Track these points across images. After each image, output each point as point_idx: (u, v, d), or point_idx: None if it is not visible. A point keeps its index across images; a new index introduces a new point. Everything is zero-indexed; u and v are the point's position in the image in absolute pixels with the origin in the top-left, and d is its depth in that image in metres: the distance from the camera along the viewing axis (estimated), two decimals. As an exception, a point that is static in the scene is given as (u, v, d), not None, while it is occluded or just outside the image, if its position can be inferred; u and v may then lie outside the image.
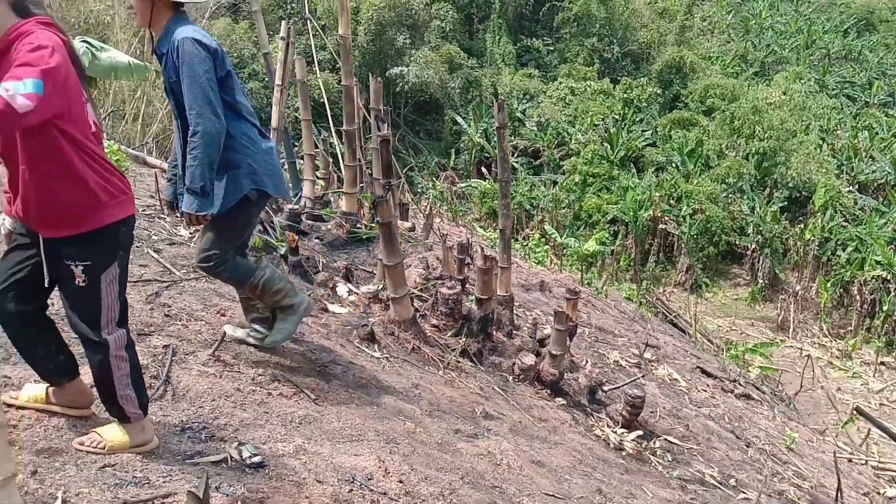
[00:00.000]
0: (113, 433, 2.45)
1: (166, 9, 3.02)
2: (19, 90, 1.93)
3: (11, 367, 2.79)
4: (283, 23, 5.30)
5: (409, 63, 21.88)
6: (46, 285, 2.31)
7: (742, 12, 31.74)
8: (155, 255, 4.46)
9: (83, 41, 8.25)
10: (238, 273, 3.36)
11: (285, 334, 3.58)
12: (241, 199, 3.22)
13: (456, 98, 23.22)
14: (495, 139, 20.99)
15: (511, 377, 4.86)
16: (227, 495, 2.38)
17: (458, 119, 22.18)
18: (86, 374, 2.63)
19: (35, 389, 2.56)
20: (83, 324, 2.32)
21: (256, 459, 2.68)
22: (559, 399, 4.97)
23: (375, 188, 5.85)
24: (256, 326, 3.62)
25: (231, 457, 2.66)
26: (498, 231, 5.59)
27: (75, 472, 2.31)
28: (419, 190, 18.32)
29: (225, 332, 3.56)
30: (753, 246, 18.02)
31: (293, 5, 21.97)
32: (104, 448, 2.42)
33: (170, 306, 3.78)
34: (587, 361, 5.66)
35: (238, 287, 3.53)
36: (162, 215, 5.41)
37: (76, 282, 2.25)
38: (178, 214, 3.45)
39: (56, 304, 2.70)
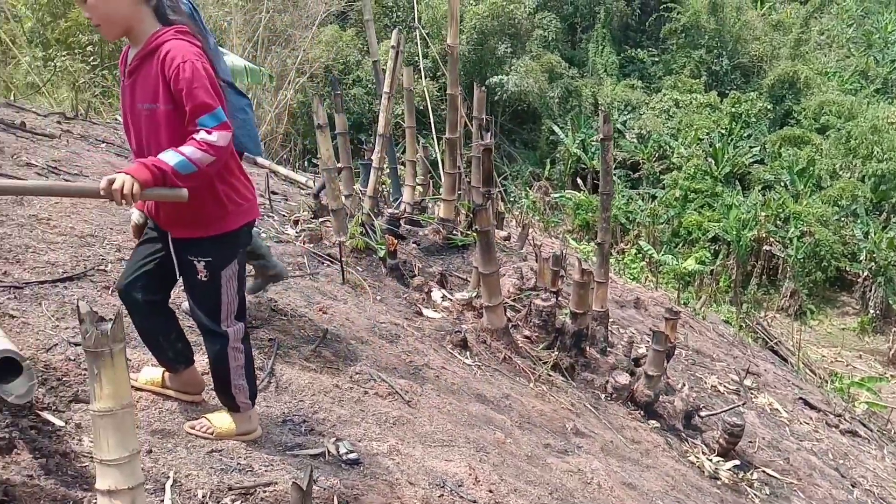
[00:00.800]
0: (222, 420, 2.57)
1: None
2: (208, 125, 2.15)
3: (131, 351, 2.98)
4: (395, 32, 5.42)
5: (509, 72, 21.91)
6: (177, 277, 2.46)
7: (865, 26, 29.90)
8: (263, 252, 4.65)
9: (205, 45, 8.74)
10: None
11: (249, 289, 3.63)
12: None
13: (554, 108, 23.05)
14: (592, 150, 20.71)
15: (603, 395, 4.76)
16: (324, 489, 2.45)
17: (556, 129, 22.00)
18: (199, 363, 2.78)
19: (152, 373, 2.72)
20: (205, 315, 2.45)
21: (352, 456, 2.74)
22: (653, 421, 4.82)
23: (474, 196, 5.89)
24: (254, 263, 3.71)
25: (328, 451, 2.74)
26: (595, 244, 5.49)
27: (185, 454, 2.43)
28: (512, 199, 18.29)
29: (326, 331, 3.67)
30: (865, 273, 16.94)
31: (398, 14, 22.46)
32: (212, 434, 2.54)
33: (276, 301, 3.94)
34: (684, 385, 5.47)
35: None
36: (271, 214, 5.65)
37: (199, 276, 2.38)
38: None
39: (179, 296, 2.86)
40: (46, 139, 5.90)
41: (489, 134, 4.76)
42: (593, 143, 21.15)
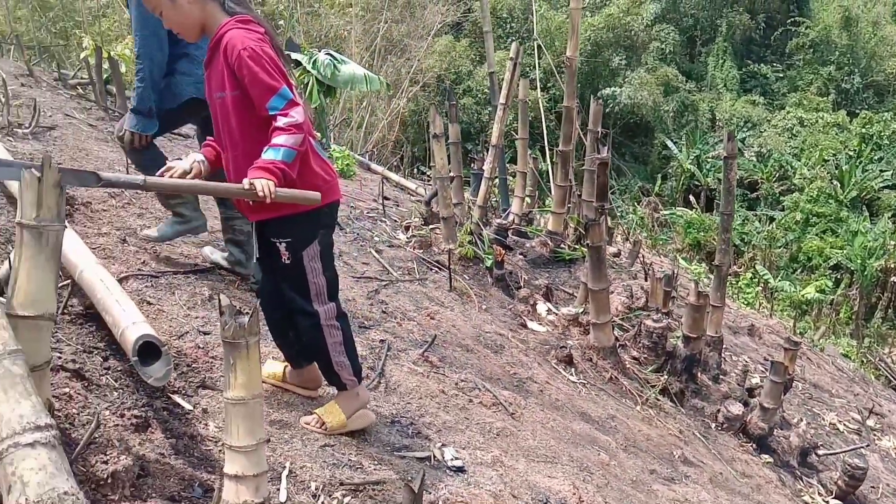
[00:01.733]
0: (332, 414, 2.64)
1: None
2: (278, 106, 2.20)
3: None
4: (514, 45, 5.45)
5: (623, 84, 21.51)
6: (255, 259, 2.56)
7: None
8: (376, 255, 4.78)
9: (328, 54, 9.11)
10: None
11: (161, 234, 3.50)
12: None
13: (669, 122, 22.40)
14: (707, 167, 19.89)
15: (714, 424, 4.56)
16: (430, 493, 2.48)
17: (669, 143, 21.36)
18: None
19: (274, 367, 2.85)
20: (294, 295, 2.49)
21: (457, 463, 2.76)
22: (765, 456, 4.57)
23: (585, 210, 5.81)
24: (231, 248, 3.54)
25: (434, 456, 2.77)
26: (711, 266, 5.27)
27: (301, 446, 2.53)
28: (618, 214, 17.87)
29: (435, 336, 3.72)
30: None
31: (512, 24, 22.53)
32: (325, 428, 2.62)
33: (387, 304, 4.03)
34: (801, 420, 5.16)
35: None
36: (383, 219, 5.79)
37: (282, 259, 2.43)
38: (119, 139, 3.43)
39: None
40: (181, 138, 6.32)
41: (605, 148, 4.68)
42: (708, 160, 20.37)
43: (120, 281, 3.14)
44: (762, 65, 24.80)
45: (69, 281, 2.72)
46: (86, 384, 2.33)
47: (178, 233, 3.54)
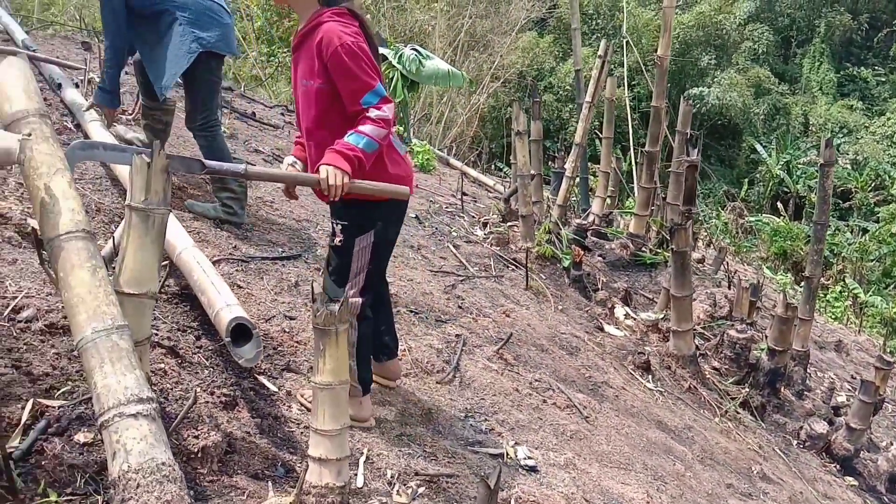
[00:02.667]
0: None
1: None
2: (373, 102, 2.23)
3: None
4: (602, 43, 5.36)
5: (711, 84, 20.78)
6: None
7: None
8: (453, 250, 4.81)
9: (413, 49, 9.21)
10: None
11: (204, 212, 3.67)
12: (196, 63, 3.41)
13: (758, 125, 21.53)
14: (798, 173, 18.97)
15: (795, 441, 4.38)
16: (503, 490, 2.48)
17: (758, 147, 20.51)
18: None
19: None
20: (331, 279, 2.49)
21: (530, 462, 2.75)
22: (850, 478, 4.36)
23: (669, 213, 5.67)
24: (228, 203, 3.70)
25: (507, 454, 2.77)
26: (801, 277, 5.05)
27: (378, 434, 2.58)
28: (702, 218, 17.32)
29: (511, 334, 3.72)
30: None
31: (597, 21, 22.13)
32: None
33: (463, 299, 4.05)
34: (891, 443, 4.88)
35: (209, 156, 3.52)
36: (461, 214, 5.82)
37: (335, 240, 2.43)
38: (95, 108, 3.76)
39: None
40: (271, 128, 6.52)
41: (695, 150, 4.55)
42: (799, 166, 19.48)
43: (213, 264, 3.28)
44: (862, 68, 23.48)
45: (167, 262, 2.86)
46: (179, 361, 2.44)
47: (218, 218, 3.73)
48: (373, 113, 2.24)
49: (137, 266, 2.05)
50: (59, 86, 4.50)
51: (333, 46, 2.23)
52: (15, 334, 2.21)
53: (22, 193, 3.03)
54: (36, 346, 2.20)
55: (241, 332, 2.35)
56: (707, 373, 4.42)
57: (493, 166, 15.33)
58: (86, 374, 1.68)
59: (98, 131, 3.75)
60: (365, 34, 2.35)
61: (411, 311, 3.65)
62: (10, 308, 2.28)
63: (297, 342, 2.89)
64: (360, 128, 2.24)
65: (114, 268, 2.07)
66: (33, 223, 2.79)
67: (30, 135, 1.82)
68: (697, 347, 4.55)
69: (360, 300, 2.38)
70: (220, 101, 3.94)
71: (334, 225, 2.43)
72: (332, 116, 2.32)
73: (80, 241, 1.82)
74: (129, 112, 4.75)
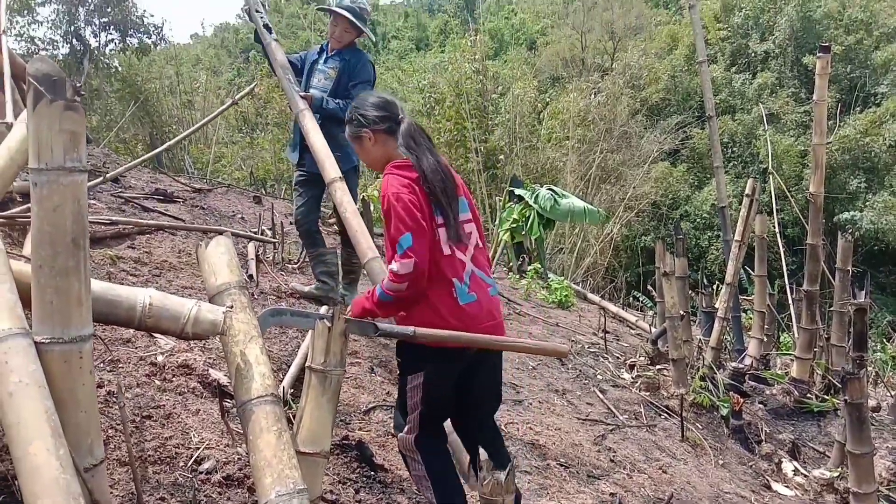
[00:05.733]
0: None
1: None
2: (398, 251, 2.34)
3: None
4: (749, 181, 5.27)
5: (863, 208, 19.63)
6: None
7: None
8: (600, 396, 4.67)
9: (549, 189, 9.50)
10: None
11: (307, 292, 4.35)
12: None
13: (922, 250, 19.85)
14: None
15: None
16: None
17: (924, 274, 18.78)
18: None
19: None
20: (400, 413, 2.58)
21: None
22: None
23: (835, 356, 5.25)
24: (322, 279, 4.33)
25: None
26: None
27: None
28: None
29: (672, 495, 3.48)
30: None
31: (733, 149, 21.86)
32: None
33: (615, 452, 3.87)
34: None
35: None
36: (605, 355, 5.68)
37: (398, 374, 2.56)
38: None
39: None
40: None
41: (863, 292, 4.24)
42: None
43: (367, 412, 3.38)
44: None
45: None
46: (341, 515, 2.48)
47: (317, 296, 4.33)
48: (392, 265, 2.37)
49: (314, 425, 2.15)
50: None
51: (385, 195, 2.43)
52: (196, 485, 2.35)
53: (205, 344, 3.32)
54: (214, 497, 2.33)
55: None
56: (902, 546, 3.87)
57: (630, 297, 14.99)
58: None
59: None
60: (424, 182, 2.44)
61: (561, 465, 3.53)
62: (192, 459, 2.45)
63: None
64: (381, 280, 2.44)
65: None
66: (216, 375, 3.03)
67: (231, 306, 2.03)
68: (886, 514, 4.02)
69: (413, 436, 2.49)
70: None
71: (396, 359, 2.58)
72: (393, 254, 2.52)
73: (268, 404, 1.95)
74: (295, 262, 5.16)
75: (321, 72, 4.22)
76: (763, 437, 4.78)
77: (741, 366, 5.32)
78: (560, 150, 18.66)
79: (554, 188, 9.53)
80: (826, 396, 5.38)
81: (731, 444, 4.61)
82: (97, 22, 18.13)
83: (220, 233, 2.64)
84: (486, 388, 2.62)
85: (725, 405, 4.72)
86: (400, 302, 2.38)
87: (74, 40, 17.28)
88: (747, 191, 5.20)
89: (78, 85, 1.63)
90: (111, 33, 18.43)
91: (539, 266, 8.70)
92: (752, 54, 24.44)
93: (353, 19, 4.11)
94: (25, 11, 17.37)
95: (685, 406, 4.66)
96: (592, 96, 19.67)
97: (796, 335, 5.70)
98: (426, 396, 2.45)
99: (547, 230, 9.77)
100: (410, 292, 2.35)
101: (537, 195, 9.13)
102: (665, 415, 4.70)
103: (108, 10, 17.92)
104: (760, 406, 5.28)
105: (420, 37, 40.62)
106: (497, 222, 10.06)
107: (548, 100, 21.75)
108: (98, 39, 18.32)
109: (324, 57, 4.26)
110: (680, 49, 25.38)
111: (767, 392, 5.50)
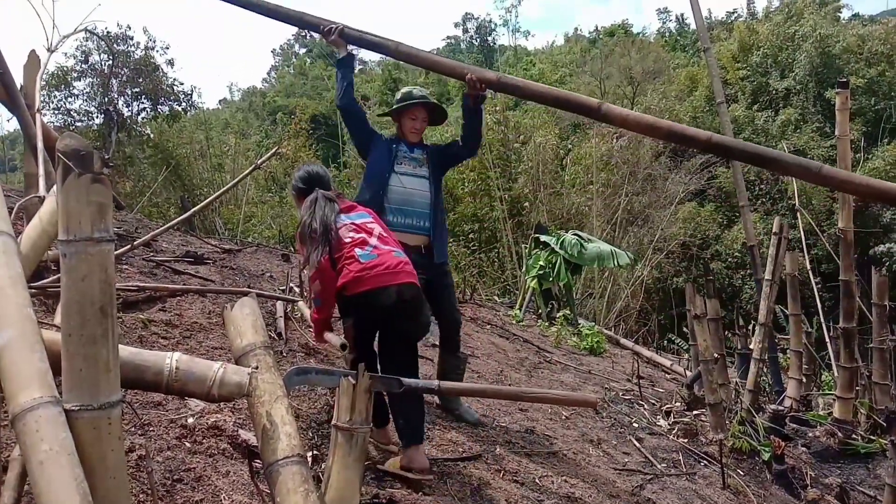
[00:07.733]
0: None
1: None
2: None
3: None
4: (777, 219, 5.22)
5: (899, 241, 19.23)
6: None
7: None
8: (637, 444, 4.56)
9: (575, 234, 9.49)
10: None
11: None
12: None
13: (966, 282, 19.26)
14: None
15: None
16: None
17: (969, 307, 18.19)
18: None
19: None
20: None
21: None
22: None
23: (878, 393, 5.08)
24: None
25: None
26: None
27: None
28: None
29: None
30: None
31: (761, 187, 21.70)
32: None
33: (654, 502, 3.76)
34: None
35: None
36: (640, 402, 5.56)
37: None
38: None
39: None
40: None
41: (902, 329, 4.12)
42: None
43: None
44: None
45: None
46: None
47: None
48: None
49: (342, 485, 2.14)
50: None
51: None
52: (227, 548, 2.34)
53: (234, 405, 3.33)
54: (245, 561, 2.30)
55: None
56: None
57: (664, 340, 14.75)
58: None
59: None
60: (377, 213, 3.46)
61: (600, 518, 3.43)
62: (223, 522, 2.43)
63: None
64: None
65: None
66: (245, 436, 3.03)
67: (257, 367, 2.05)
68: (947, 562, 3.82)
69: (351, 356, 3.23)
70: None
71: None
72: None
73: (294, 465, 1.95)
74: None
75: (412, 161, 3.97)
76: (809, 482, 4.61)
77: (781, 408, 5.16)
78: (584, 195, 18.67)
79: (580, 233, 9.52)
80: (872, 437, 5.18)
81: (776, 490, 4.45)
82: (129, 92, 18.85)
83: (246, 294, 2.68)
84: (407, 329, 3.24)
85: (767, 449, 4.57)
86: (324, 297, 3.13)
87: (109, 110, 17.99)
88: (774, 229, 5.14)
89: (106, 157, 1.70)
90: (143, 102, 19.14)
91: (569, 312, 8.63)
92: (774, 91, 24.49)
93: (437, 105, 4.03)
94: (63, 86, 18.15)
95: (725, 452, 4.52)
96: (614, 140, 19.75)
97: (836, 374, 5.54)
98: (356, 339, 3.22)
99: (575, 276, 9.71)
100: (323, 286, 3.09)
101: (563, 241, 9.12)
102: (705, 462, 4.56)
103: (140, 80, 18.65)
104: (804, 449, 5.10)
105: (441, 91, 41.43)
106: (524, 269, 10.05)
107: (570, 146, 21.89)
108: (130, 109, 19.03)
109: (403, 150, 3.95)
110: (700, 90, 25.54)
111: (810, 434, 5.32)
